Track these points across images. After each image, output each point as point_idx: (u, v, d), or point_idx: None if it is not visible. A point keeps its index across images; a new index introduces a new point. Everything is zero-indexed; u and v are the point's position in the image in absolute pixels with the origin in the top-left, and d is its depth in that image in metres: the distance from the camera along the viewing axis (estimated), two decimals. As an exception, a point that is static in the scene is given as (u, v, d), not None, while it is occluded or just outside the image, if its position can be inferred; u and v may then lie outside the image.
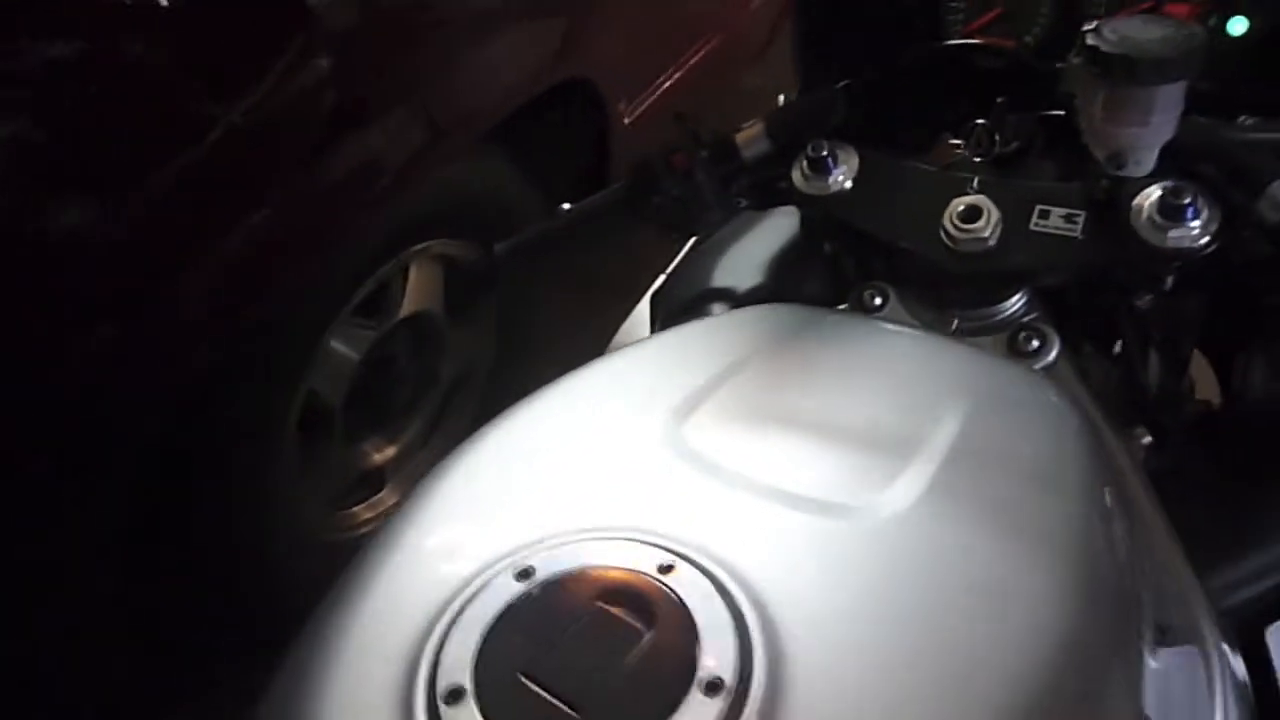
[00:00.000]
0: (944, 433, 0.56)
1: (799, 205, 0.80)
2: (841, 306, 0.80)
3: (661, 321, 1.00)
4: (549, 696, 0.42)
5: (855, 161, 0.78)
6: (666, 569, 0.47)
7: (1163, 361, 0.80)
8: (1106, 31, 0.61)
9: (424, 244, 1.59)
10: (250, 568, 1.41)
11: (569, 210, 0.87)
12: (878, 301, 0.78)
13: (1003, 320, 0.75)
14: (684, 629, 0.44)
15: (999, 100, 0.75)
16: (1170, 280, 0.70)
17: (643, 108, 1.84)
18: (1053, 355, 0.72)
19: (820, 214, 0.79)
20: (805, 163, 0.78)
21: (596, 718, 0.42)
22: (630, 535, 0.49)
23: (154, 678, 1.37)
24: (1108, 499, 0.55)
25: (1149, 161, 0.65)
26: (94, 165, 1.22)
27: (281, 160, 1.40)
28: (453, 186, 1.62)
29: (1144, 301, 0.73)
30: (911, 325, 0.76)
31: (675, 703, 0.42)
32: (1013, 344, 0.73)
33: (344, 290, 1.51)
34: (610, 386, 0.66)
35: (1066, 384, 0.71)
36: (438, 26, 1.59)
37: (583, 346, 1.14)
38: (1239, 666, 0.64)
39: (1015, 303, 0.75)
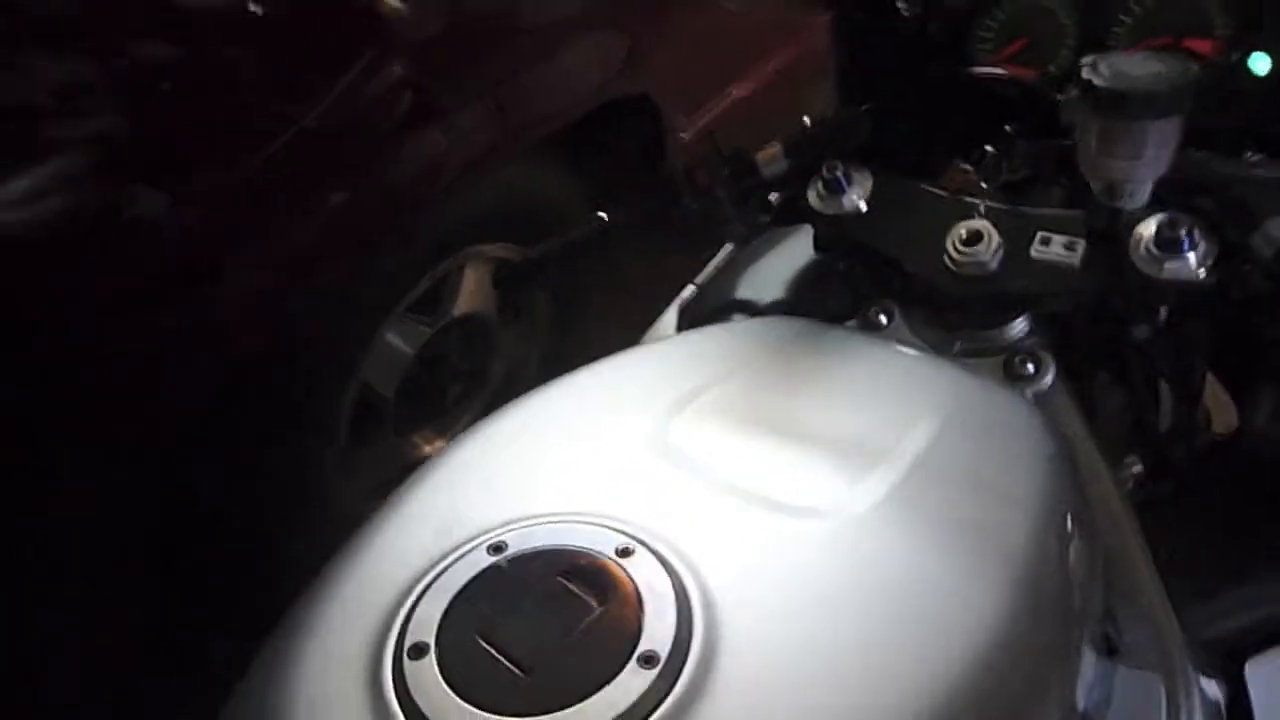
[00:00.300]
0: (910, 446, 0.58)
1: (813, 223, 0.83)
2: (850, 322, 0.82)
3: (686, 329, 1.03)
4: (501, 658, 0.46)
5: (869, 183, 0.81)
6: (625, 552, 0.51)
7: (1172, 392, 0.80)
8: (1102, 66, 0.63)
9: (480, 246, 1.66)
10: (285, 549, 1.47)
11: (602, 218, 0.92)
12: (883, 319, 0.80)
13: (1003, 344, 0.77)
14: (631, 606, 0.48)
15: (1007, 128, 0.76)
16: (1166, 311, 0.71)
17: (702, 123, 1.88)
18: (1047, 380, 0.74)
19: (832, 232, 0.82)
20: (820, 182, 0.81)
21: (541, 679, 0.45)
22: (599, 520, 0.53)
23: (172, 669, 1.36)
24: (1068, 520, 0.56)
25: (1143, 194, 0.67)
26: (173, 160, 1.31)
27: (349, 159, 1.48)
28: (511, 191, 1.68)
29: (1146, 332, 0.74)
30: (912, 344, 0.78)
31: (614, 671, 0.45)
32: (1008, 367, 0.75)
33: (401, 286, 1.58)
34: (609, 385, 0.70)
35: (1059, 409, 0.73)
36: (504, 38, 1.65)
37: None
38: (1213, 693, 0.65)
39: (1017, 327, 0.77)
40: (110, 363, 1.25)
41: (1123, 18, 0.83)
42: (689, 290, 1.08)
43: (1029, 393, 0.73)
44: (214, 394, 1.35)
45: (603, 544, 0.51)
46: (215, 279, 1.36)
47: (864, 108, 0.83)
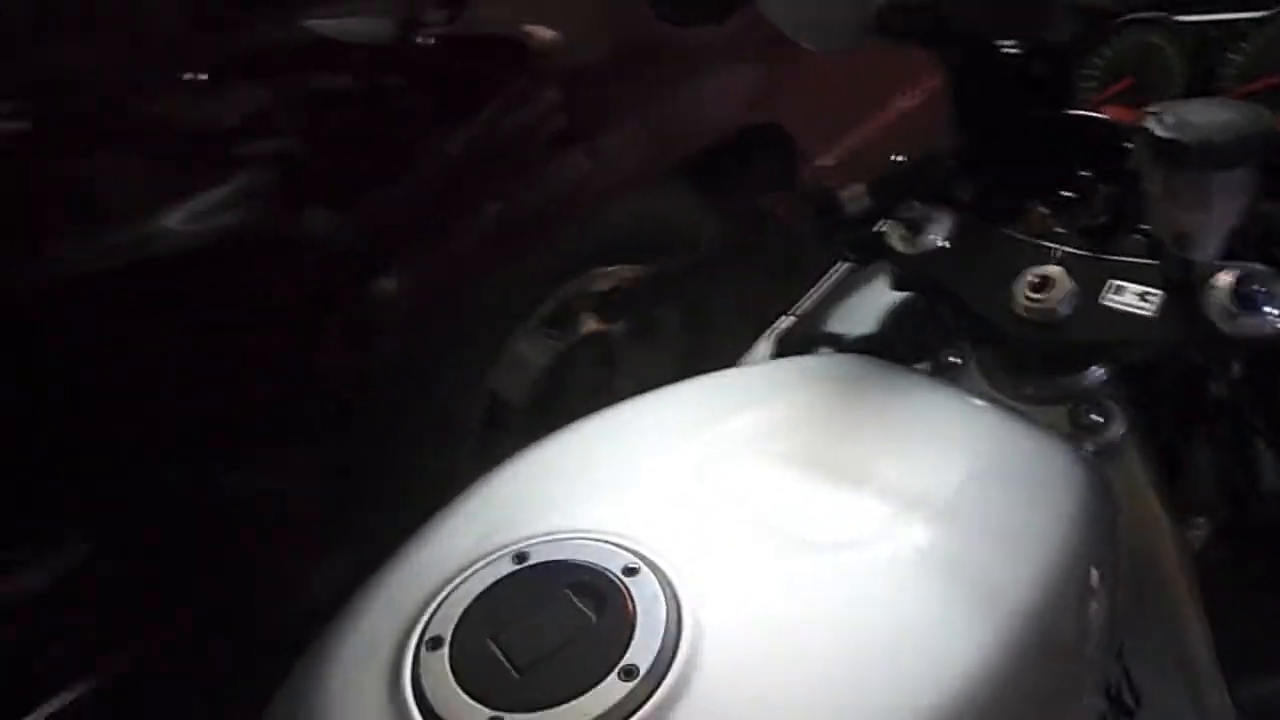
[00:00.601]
0: (937, 491, 0.59)
1: (891, 262, 0.84)
2: (925, 363, 0.82)
3: (778, 358, 1.05)
4: (502, 656, 0.51)
5: (949, 223, 0.81)
6: (631, 571, 0.55)
7: (1267, 447, 0.76)
8: (1166, 115, 0.61)
9: (612, 266, 1.73)
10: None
11: (709, 247, 0.96)
12: (956, 362, 0.80)
13: (1073, 392, 0.75)
14: (624, 622, 0.51)
15: (1086, 173, 0.75)
16: (1246, 365, 0.68)
17: (836, 153, 1.89)
18: (1114, 432, 0.72)
19: (908, 272, 0.82)
20: (900, 222, 0.82)
21: (531, 681, 0.50)
22: (615, 539, 0.57)
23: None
24: (1088, 577, 0.56)
25: (1214, 246, 0.64)
26: (338, 180, 1.45)
27: (500, 180, 1.59)
28: (645, 214, 1.74)
29: (1223, 387, 0.71)
30: (981, 388, 0.77)
31: (596, 680, 0.49)
32: (1074, 416, 0.73)
33: (536, 302, 1.68)
34: (670, 409, 0.74)
35: (1126, 462, 0.71)
36: (648, 67, 1.72)
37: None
38: None
39: (1090, 376, 0.75)
40: (270, 360, 1.40)
41: (1231, 56, 0.79)
42: (785, 320, 1.10)
43: (1093, 444, 0.72)
44: (360, 390, 1.48)
45: (612, 562, 0.55)
46: (371, 288, 1.49)
47: (949, 148, 0.83)
